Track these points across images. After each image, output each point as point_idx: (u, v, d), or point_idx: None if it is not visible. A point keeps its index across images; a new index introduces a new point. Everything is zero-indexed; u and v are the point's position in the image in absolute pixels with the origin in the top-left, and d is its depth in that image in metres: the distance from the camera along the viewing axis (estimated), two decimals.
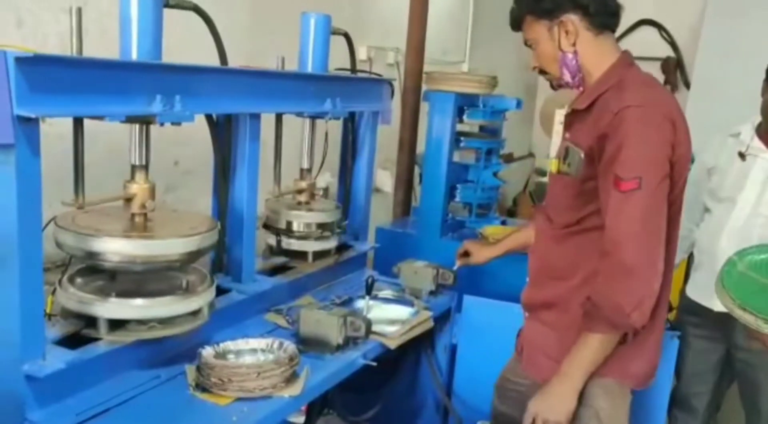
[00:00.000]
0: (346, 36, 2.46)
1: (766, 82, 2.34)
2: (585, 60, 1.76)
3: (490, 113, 3.13)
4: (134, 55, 1.64)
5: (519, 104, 3.24)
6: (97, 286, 1.75)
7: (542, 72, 1.86)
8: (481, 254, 2.38)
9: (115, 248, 1.61)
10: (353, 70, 2.56)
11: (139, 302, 1.65)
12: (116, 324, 1.64)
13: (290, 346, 1.78)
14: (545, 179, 2.79)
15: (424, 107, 3.37)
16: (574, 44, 1.74)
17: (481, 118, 3.17)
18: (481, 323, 2.47)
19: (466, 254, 2.41)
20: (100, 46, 2.41)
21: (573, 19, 1.73)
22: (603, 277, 1.62)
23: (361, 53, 3.98)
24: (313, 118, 2.33)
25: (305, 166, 2.42)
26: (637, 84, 1.70)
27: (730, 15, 5.43)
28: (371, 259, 3.00)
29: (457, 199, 3.20)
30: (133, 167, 1.72)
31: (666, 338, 2.24)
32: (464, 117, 3.10)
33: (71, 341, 1.60)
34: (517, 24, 1.84)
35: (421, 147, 3.72)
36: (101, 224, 1.68)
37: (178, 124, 1.67)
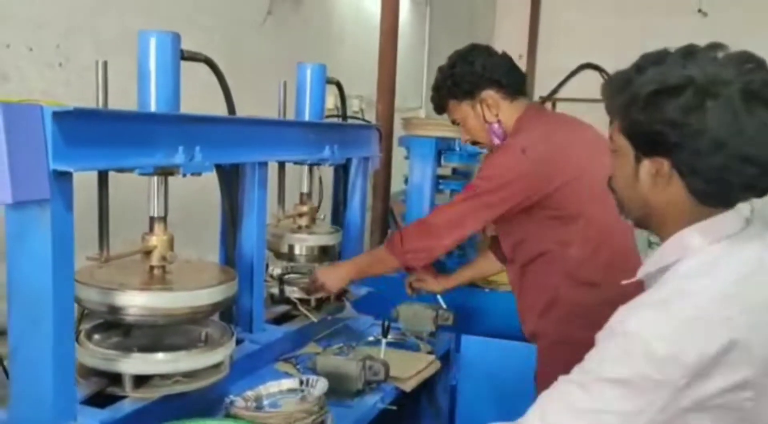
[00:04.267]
0: (338, 85, 2.50)
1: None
2: (508, 124, 2.02)
3: (466, 156, 3.21)
4: (153, 107, 1.63)
5: None
6: (115, 341, 1.71)
7: (474, 143, 2.15)
8: (437, 283, 2.51)
9: (140, 302, 1.57)
10: (344, 117, 2.60)
11: (164, 356, 1.61)
12: (140, 380, 1.60)
13: (318, 381, 1.76)
14: None
15: (397, 152, 3.43)
16: (497, 115, 2.01)
17: (458, 161, 3.24)
18: (481, 363, 2.47)
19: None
20: (86, 98, 2.40)
21: (491, 94, 2.00)
22: (412, 223, 2.10)
23: (329, 102, 4.02)
24: (311, 165, 2.34)
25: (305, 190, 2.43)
26: (527, 128, 1.98)
27: None
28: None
29: None
30: (152, 219, 1.69)
31: None
32: (441, 161, 3.17)
33: (96, 400, 1.55)
34: (441, 109, 2.12)
35: (392, 190, 3.77)
36: (121, 277, 1.65)
37: (199, 174, 1.67)
